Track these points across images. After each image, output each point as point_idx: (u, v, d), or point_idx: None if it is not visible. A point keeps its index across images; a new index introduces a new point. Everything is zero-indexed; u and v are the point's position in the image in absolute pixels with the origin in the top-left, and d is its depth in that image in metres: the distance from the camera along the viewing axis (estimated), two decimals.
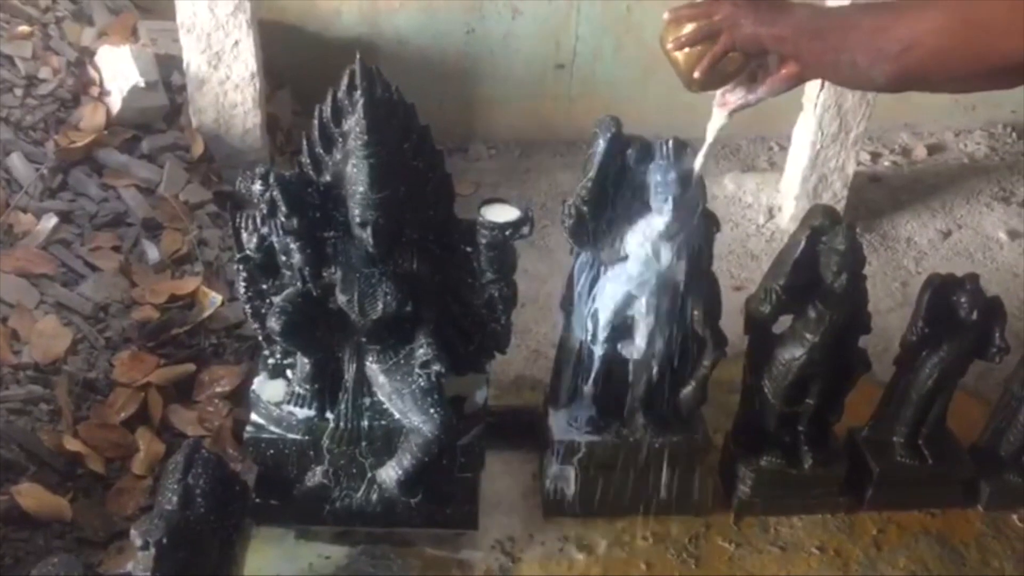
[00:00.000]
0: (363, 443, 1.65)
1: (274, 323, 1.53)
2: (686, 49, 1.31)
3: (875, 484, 1.87)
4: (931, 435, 1.89)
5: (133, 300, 2.16)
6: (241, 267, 1.60)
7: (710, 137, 1.49)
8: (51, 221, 2.18)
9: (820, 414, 1.82)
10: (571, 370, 1.77)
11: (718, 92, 1.40)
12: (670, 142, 1.55)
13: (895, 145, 3.36)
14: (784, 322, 1.76)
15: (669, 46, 1.32)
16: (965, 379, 1.87)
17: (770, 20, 1.26)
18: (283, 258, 1.55)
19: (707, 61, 1.29)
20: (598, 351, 1.72)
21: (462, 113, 3.16)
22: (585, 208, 1.57)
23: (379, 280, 1.55)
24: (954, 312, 1.76)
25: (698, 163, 1.54)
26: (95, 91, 2.55)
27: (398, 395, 1.61)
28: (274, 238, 1.53)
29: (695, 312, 1.68)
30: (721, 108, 1.42)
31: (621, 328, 1.70)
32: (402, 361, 1.62)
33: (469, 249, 1.60)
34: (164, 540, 1.42)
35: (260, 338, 1.69)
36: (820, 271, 1.67)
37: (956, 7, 1.14)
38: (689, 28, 1.30)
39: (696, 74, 1.31)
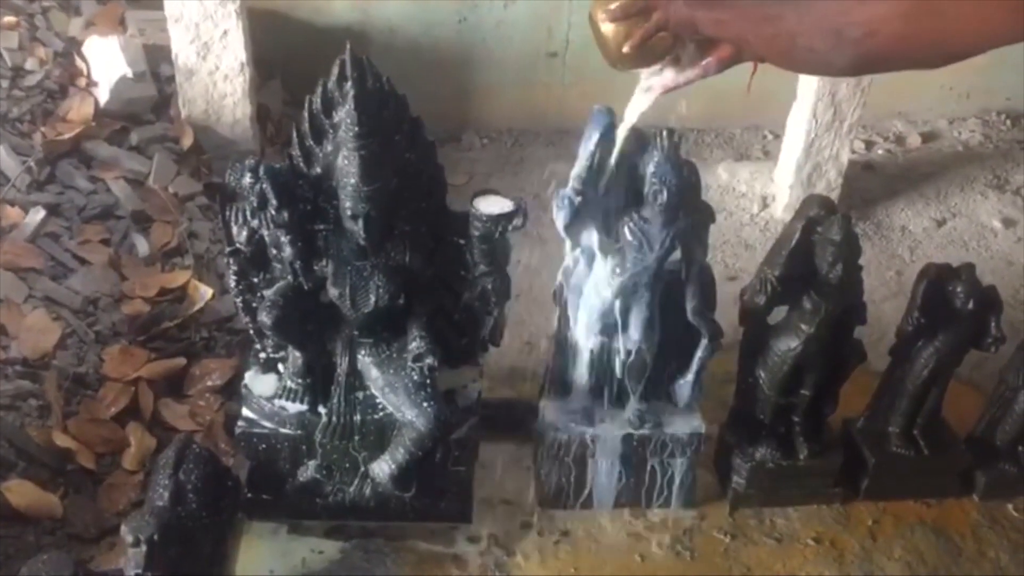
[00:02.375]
0: (356, 437, 1.65)
1: (265, 317, 1.52)
2: (616, 24, 1.25)
3: (871, 475, 1.87)
4: (927, 425, 1.88)
5: (123, 294, 2.14)
6: (231, 260, 1.58)
7: (629, 122, 1.45)
8: (39, 214, 2.16)
9: (815, 405, 1.81)
10: (565, 362, 1.76)
11: (643, 75, 1.36)
12: (664, 132, 1.53)
13: (889, 133, 3.34)
14: (779, 313, 1.75)
15: (600, 16, 1.27)
16: (961, 369, 1.87)
17: (709, 4, 1.22)
18: (274, 251, 1.54)
19: (636, 38, 1.24)
20: (592, 343, 1.71)
21: (455, 102, 3.14)
22: (578, 199, 1.56)
23: (371, 273, 1.54)
24: (949, 302, 1.75)
25: (615, 150, 1.51)
26: (83, 82, 2.52)
27: (391, 389, 1.60)
28: (264, 231, 1.51)
29: (690, 303, 1.68)
30: (646, 93, 1.37)
31: (616, 319, 1.69)
32: (395, 354, 1.61)
33: (462, 241, 1.59)
34: (155, 536, 1.41)
35: (251, 332, 1.68)
36: (815, 262, 1.66)
37: None
38: (623, 2, 1.25)
39: (625, 49, 1.26)
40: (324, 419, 1.63)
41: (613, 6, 1.25)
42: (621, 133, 1.50)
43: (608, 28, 1.26)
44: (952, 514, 1.90)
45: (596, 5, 1.27)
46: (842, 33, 1.14)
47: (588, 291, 1.68)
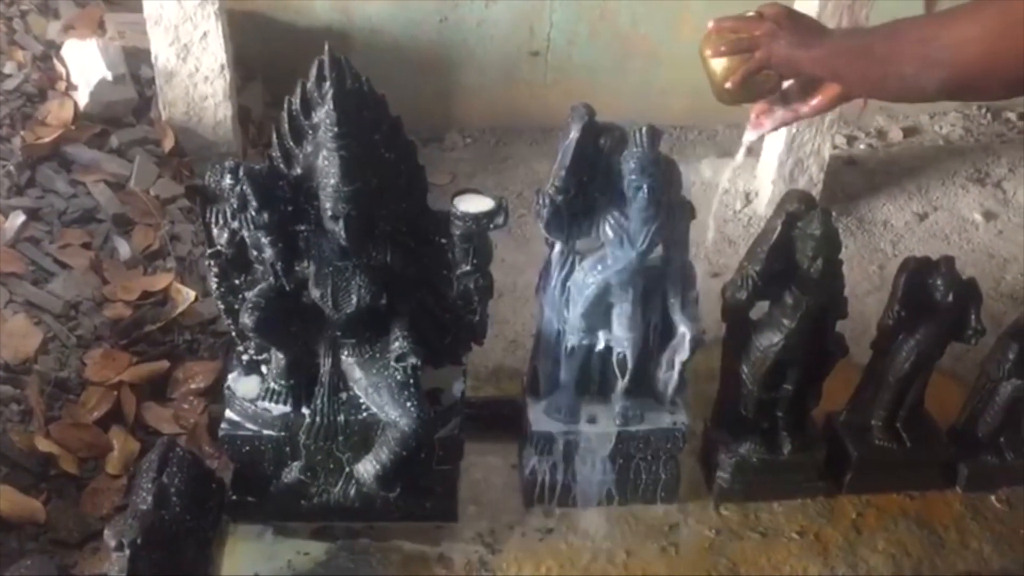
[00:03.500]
0: (340, 438, 1.64)
1: (247, 319, 1.51)
2: (723, 59, 1.34)
3: (854, 468, 1.88)
4: (909, 418, 1.90)
5: (104, 297, 2.13)
6: (213, 263, 1.58)
7: (739, 158, 1.55)
8: (19, 219, 2.15)
9: (798, 399, 1.82)
10: (549, 360, 1.77)
11: (752, 114, 1.45)
12: (644, 129, 1.54)
13: (870, 128, 3.36)
14: (761, 308, 1.76)
15: (707, 53, 1.36)
16: (942, 361, 1.87)
17: (808, 43, 1.28)
18: (255, 253, 1.54)
19: (739, 74, 1.33)
20: (576, 340, 1.71)
21: (437, 102, 3.14)
22: (559, 197, 1.56)
23: (353, 273, 1.54)
24: (930, 295, 1.76)
25: (725, 177, 1.57)
26: (62, 85, 2.51)
27: (374, 389, 1.60)
28: (245, 233, 1.51)
29: (672, 299, 1.68)
30: (755, 129, 1.46)
31: (598, 317, 1.69)
32: (378, 355, 1.61)
33: (444, 241, 1.59)
34: (138, 540, 1.41)
35: (234, 334, 1.67)
36: (796, 257, 1.67)
37: (1002, 9, 1.14)
38: (729, 39, 1.33)
39: (728, 85, 1.35)
40: (308, 420, 1.63)
41: (721, 44, 1.34)
42: (733, 164, 1.59)
43: (716, 64, 1.35)
44: (935, 506, 1.91)
45: (705, 42, 1.36)
46: (930, 57, 1.18)
47: (570, 288, 1.68)
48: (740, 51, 1.32)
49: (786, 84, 1.39)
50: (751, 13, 1.34)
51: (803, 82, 1.38)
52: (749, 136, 1.48)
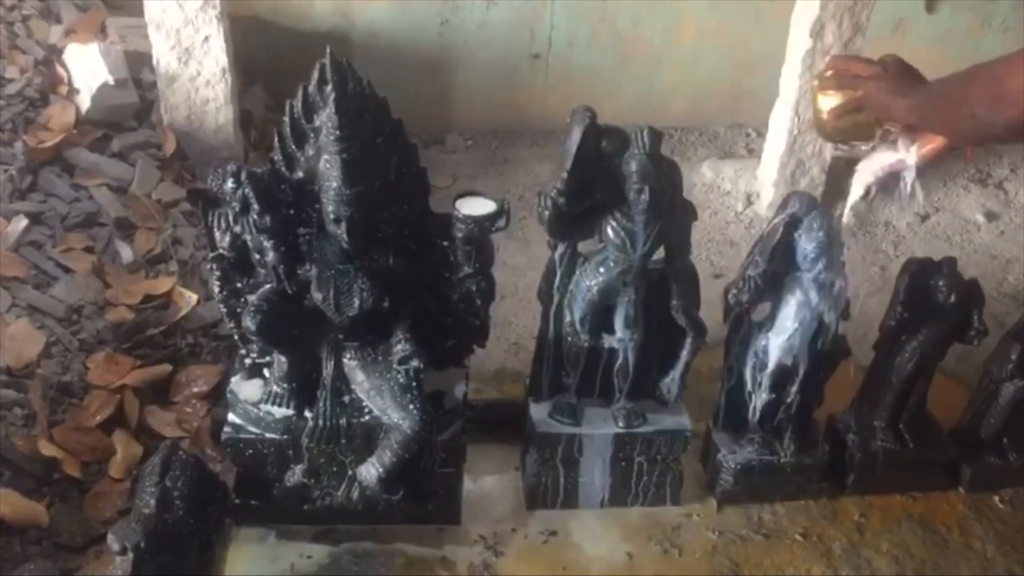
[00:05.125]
0: (343, 441, 1.64)
1: (249, 322, 1.51)
2: (828, 93, 1.42)
3: (857, 469, 1.88)
4: (912, 419, 1.89)
5: (107, 301, 2.13)
6: (215, 266, 1.58)
7: (854, 197, 1.60)
8: (21, 223, 2.15)
9: (801, 401, 1.82)
10: (551, 362, 1.77)
11: (861, 162, 1.53)
12: (645, 131, 1.54)
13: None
14: (764, 310, 1.76)
15: (815, 84, 1.45)
16: (945, 362, 1.88)
17: (905, 91, 1.36)
18: (257, 256, 1.54)
19: (838, 108, 1.41)
20: (578, 342, 1.71)
21: (438, 105, 3.14)
22: (561, 200, 1.56)
23: (355, 276, 1.54)
24: (932, 296, 1.76)
25: (845, 218, 1.64)
26: (64, 90, 2.51)
27: (377, 392, 1.60)
28: (247, 236, 1.51)
29: (674, 301, 1.68)
30: (868, 172, 1.53)
31: (600, 319, 1.69)
32: (380, 357, 1.61)
33: (446, 243, 1.59)
34: (142, 544, 1.41)
35: (236, 337, 1.68)
36: (798, 258, 1.67)
37: None
38: (838, 75, 1.43)
39: (825, 115, 1.43)
40: (310, 423, 1.63)
41: (829, 77, 1.44)
42: (850, 201, 1.64)
43: (821, 96, 1.43)
44: (938, 507, 1.91)
45: (818, 75, 1.47)
46: (998, 98, 1.23)
47: (572, 291, 1.68)
48: (843, 88, 1.40)
49: (890, 131, 1.46)
50: (872, 58, 1.43)
51: (909, 131, 1.44)
52: (857, 189, 1.55)
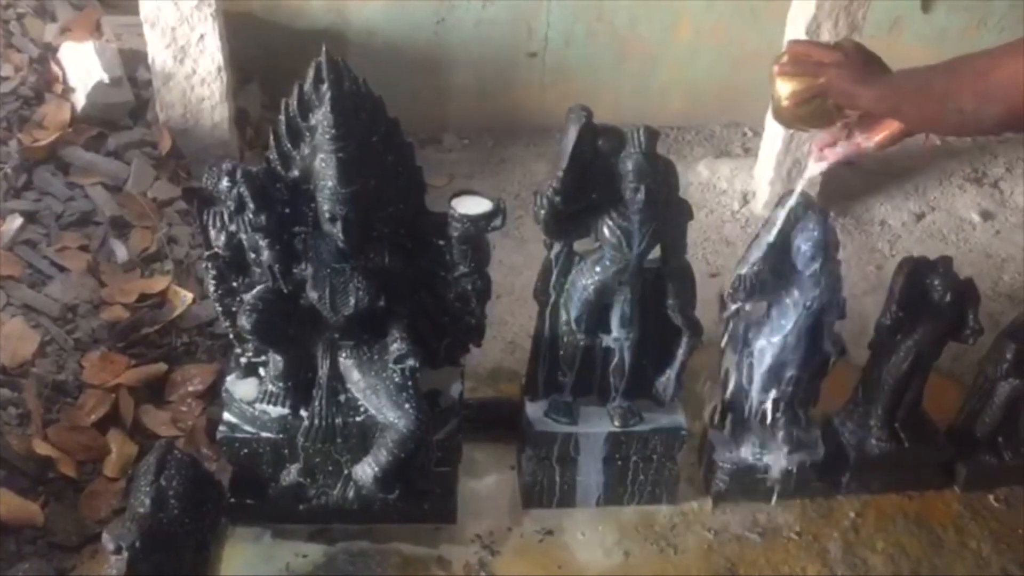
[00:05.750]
0: (338, 440, 1.64)
1: (245, 321, 1.51)
2: (787, 80, 1.38)
3: (852, 468, 1.88)
4: (907, 418, 1.90)
5: (102, 300, 2.12)
6: (210, 265, 1.58)
7: (800, 187, 1.57)
8: (16, 221, 2.14)
9: (796, 400, 1.82)
10: (547, 361, 1.77)
11: (815, 147, 1.49)
12: (642, 130, 1.54)
13: None
14: (759, 309, 1.76)
15: (774, 70, 1.40)
16: (940, 361, 1.88)
17: (869, 80, 1.33)
18: (252, 255, 1.54)
19: (797, 95, 1.37)
20: (574, 341, 1.71)
21: (434, 104, 3.14)
22: (557, 199, 1.56)
23: (350, 275, 1.53)
24: (928, 295, 1.76)
25: (786, 206, 1.61)
26: (59, 88, 2.50)
27: (372, 391, 1.60)
28: (243, 235, 1.51)
29: (670, 300, 1.68)
30: (817, 162, 1.49)
31: (597, 318, 1.69)
32: (376, 356, 1.61)
33: (442, 242, 1.59)
34: (137, 543, 1.41)
35: (232, 336, 1.67)
36: (793, 257, 1.67)
37: None
38: (798, 61, 1.38)
39: (785, 103, 1.39)
40: (306, 422, 1.63)
41: (788, 63, 1.39)
42: (792, 199, 1.60)
43: (779, 82, 1.39)
44: (934, 506, 1.92)
45: (776, 60, 1.41)
46: (988, 92, 1.22)
47: (568, 290, 1.68)
48: (804, 74, 1.36)
49: (849, 117, 1.43)
50: (831, 42, 1.40)
51: (865, 117, 1.42)
52: (812, 169, 1.51)
